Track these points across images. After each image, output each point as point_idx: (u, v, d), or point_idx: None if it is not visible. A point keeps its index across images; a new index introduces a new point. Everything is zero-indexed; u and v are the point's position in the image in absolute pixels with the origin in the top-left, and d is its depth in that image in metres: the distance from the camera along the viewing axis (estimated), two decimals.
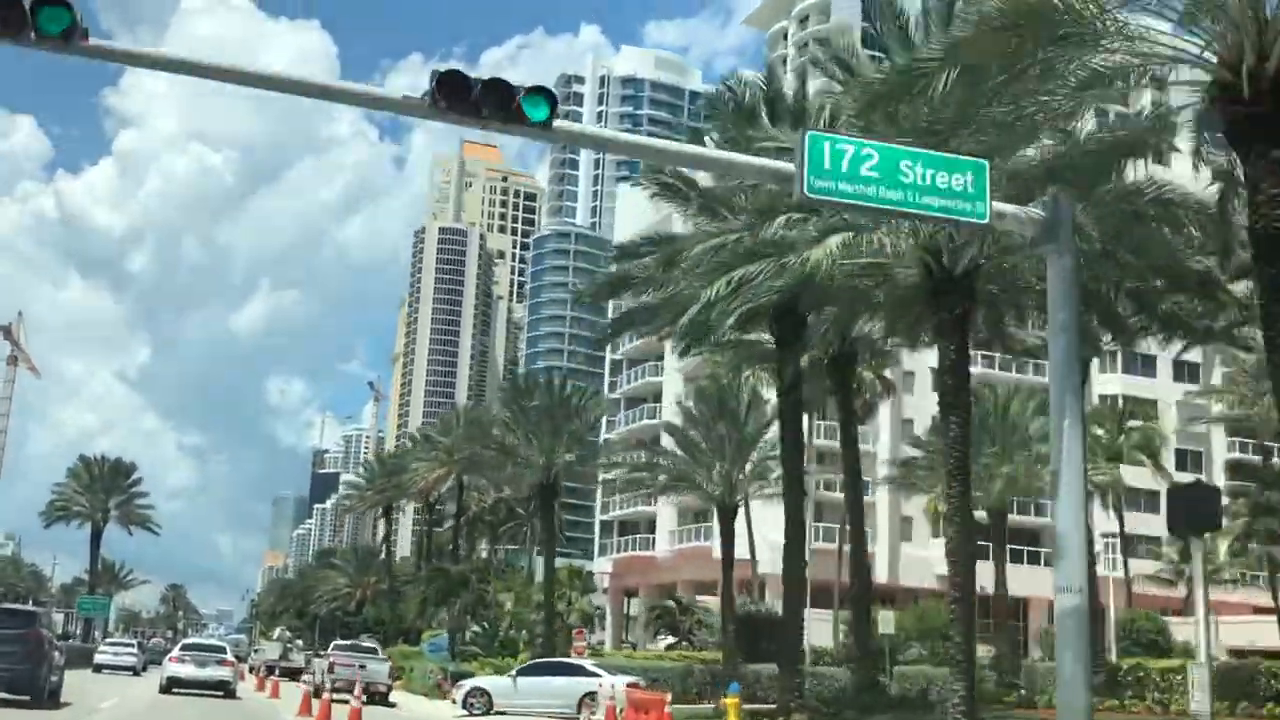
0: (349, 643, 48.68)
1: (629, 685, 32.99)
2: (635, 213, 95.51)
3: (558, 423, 45.77)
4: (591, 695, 34.14)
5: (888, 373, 56.10)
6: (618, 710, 27.66)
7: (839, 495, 59.78)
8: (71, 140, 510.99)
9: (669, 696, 25.59)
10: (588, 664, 37.31)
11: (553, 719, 34.20)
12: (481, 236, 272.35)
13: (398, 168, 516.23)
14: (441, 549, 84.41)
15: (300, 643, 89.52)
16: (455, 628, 58.63)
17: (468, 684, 37.05)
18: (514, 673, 36.57)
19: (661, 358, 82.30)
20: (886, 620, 39.83)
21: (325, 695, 32.59)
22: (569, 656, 42.00)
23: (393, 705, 42.55)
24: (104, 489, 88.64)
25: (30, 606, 40.18)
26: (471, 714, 35.37)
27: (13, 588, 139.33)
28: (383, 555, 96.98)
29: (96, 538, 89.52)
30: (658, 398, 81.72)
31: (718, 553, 73.51)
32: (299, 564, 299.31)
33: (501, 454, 47.56)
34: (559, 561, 61.25)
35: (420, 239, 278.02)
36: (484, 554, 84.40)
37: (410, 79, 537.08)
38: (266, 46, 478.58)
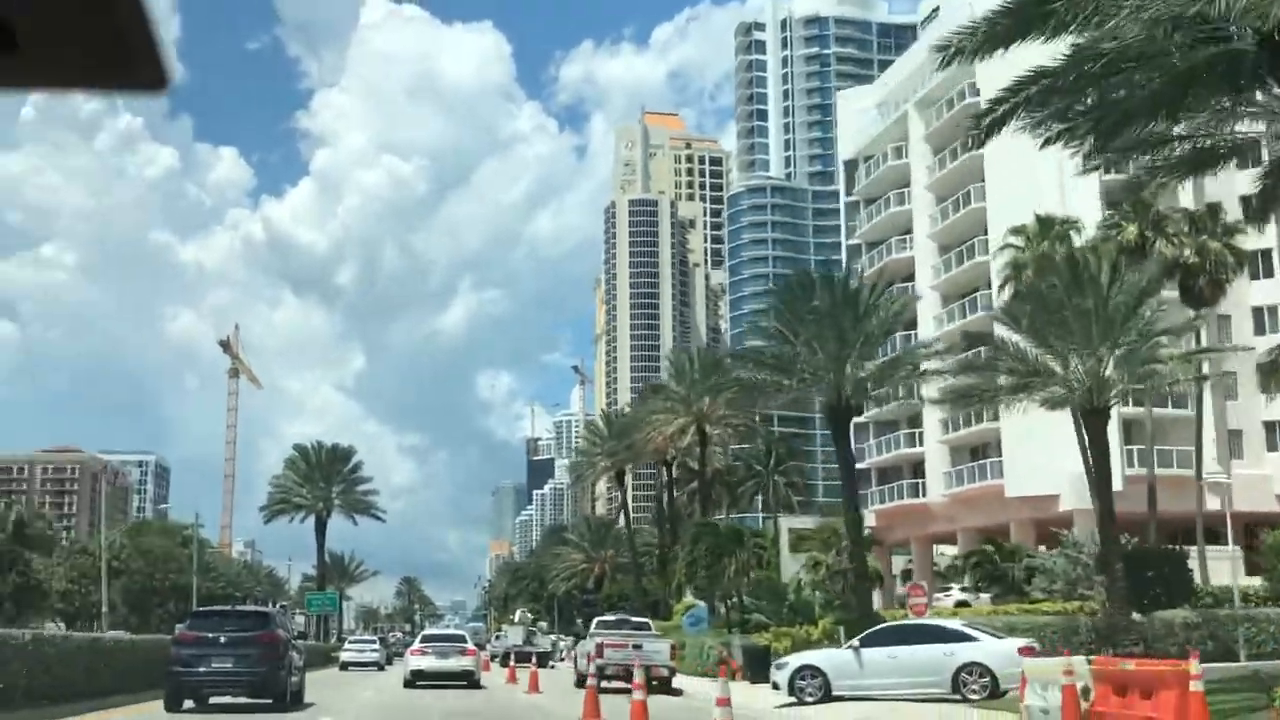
0: (615, 617, 39.24)
1: (1023, 649, 22.91)
2: (857, 126, 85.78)
3: (844, 328, 35.17)
4: (972, 667, 23.94)
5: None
6: (1081, 691, 17.26)
7: (1138, 409, 48.64)
8: (271, 165, 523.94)
9: (1194, 665, 15.09)
10: (958, 625, 26.89)
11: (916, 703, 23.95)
12: (672, 204, 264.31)
13: (579, 157, 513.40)
14: (678, 515, 75.24)
15: (544, 625, 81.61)
16: (726, 592, 48.95)
17: (792, 661, 27.02)
18: (855, 643, 26.22)
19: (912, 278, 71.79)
20: None
21: (590, 684, 25.37)
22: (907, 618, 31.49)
23: (678, 693, 33.16)
24: (323, 477, 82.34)
25: (264, 608, 38.39)
26: (803, 702, 25.52)
27: (250, 592, 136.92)
28: (620, 525, 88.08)
29: (321, 529, 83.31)
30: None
31: (1011, 490, 63.80)
32: (524, 550, 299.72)
33: (776, 372, 37.16)
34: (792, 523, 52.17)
35: (611, 214, 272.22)
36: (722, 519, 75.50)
37: (582, 68, 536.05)
38: (444, 52, 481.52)
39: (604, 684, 27.89)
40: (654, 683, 30.82)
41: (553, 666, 60.51)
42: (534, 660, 42.58)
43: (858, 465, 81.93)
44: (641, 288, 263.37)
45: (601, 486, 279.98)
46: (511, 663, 43.55)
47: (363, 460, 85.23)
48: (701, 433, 65.41)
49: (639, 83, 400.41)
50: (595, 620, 38.03)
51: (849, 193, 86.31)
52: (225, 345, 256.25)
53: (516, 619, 74.66)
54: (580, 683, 32.64)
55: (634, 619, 38.99)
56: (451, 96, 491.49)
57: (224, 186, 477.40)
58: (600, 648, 33.57)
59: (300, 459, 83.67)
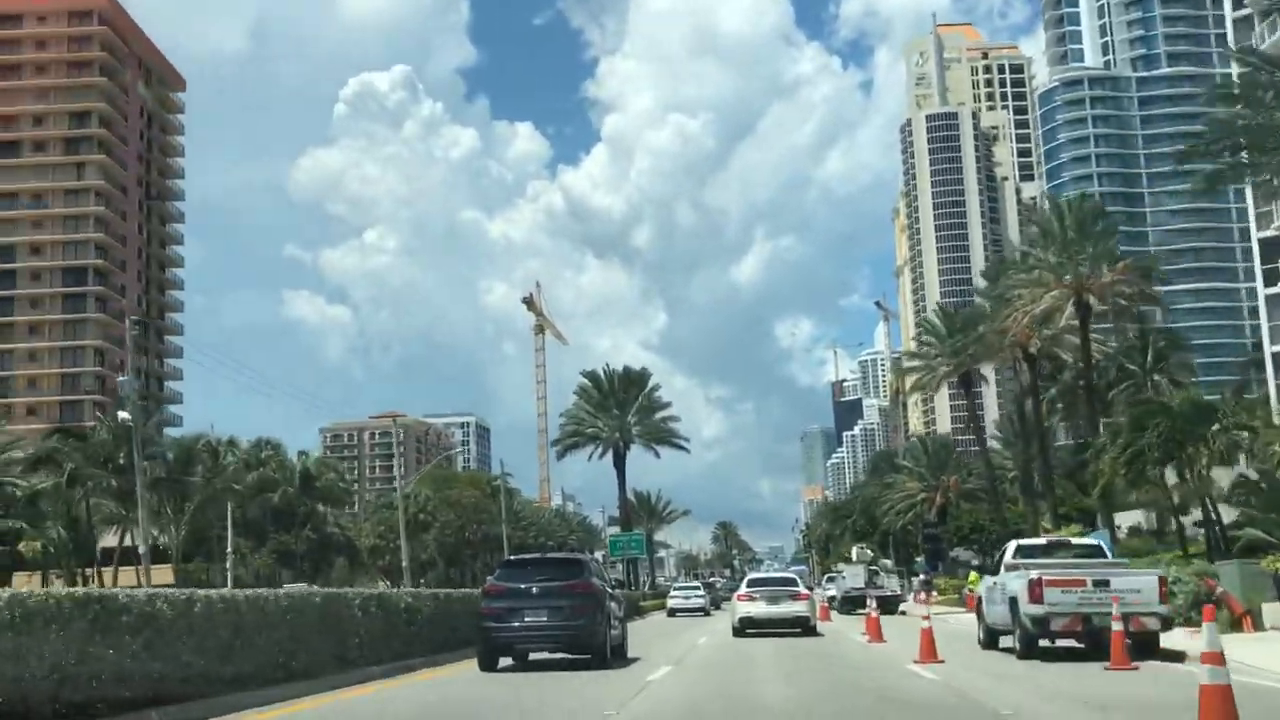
0: (1048, 540, 24.88)
1: None
2: None
3: None
4: None
5: None
6: None
7: None
8: (565, 135, 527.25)
9: None
10: None
11: None
12: (974, 115, 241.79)
13: (865, 93, 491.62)
14: (1033, 429, 59.22)
15: (888, 563, 67.30)
16: (1187, 499, 33.34)
17: None
18: None
19: None
20: None
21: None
22: None
23: (1179, 656, 19.12)
24: (617, 404, 70.91)
25: (578, 554, 33.89)
26: None
27: (564, 541, 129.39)
28: (973, 441, 72.31)
29: (620, 463, 71.91)
30: None
31: None
32: (837, 494, 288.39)
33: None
34: None
35: (908, 133, 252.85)
36: None
37: (863, 1, 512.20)
38: (720, 4, 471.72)
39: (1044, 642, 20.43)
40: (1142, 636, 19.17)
41: (902, 612, 48.56)
42: (875, 605, 34.91)
43: None
44: (946, 208, 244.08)
45: (916, 415, 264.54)
46: (872, 610, 30.63)
47: (660, 385, 73.31)
48: (1085, 307, 49.12)
49: (922, 8, 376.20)
50: (1013, 546, 23.55)
51: None
52: (529, 302, 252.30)
53: (855, 556, 60.61)
54: (991, 642, 23.60)
55: (1081, 543, 24.37)
56: (732, 48, 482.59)
57: (523, 160, 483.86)
58: (1038, 587, 19.57)
59: (591, 386, 72.54)
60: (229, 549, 72.61)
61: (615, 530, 74.87)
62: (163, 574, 76.87)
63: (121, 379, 53.49)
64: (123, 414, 51.44)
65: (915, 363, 67.54)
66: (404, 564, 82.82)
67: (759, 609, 31.94)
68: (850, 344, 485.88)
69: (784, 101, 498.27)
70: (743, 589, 34.17)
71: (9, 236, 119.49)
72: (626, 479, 73.90)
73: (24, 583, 66.24)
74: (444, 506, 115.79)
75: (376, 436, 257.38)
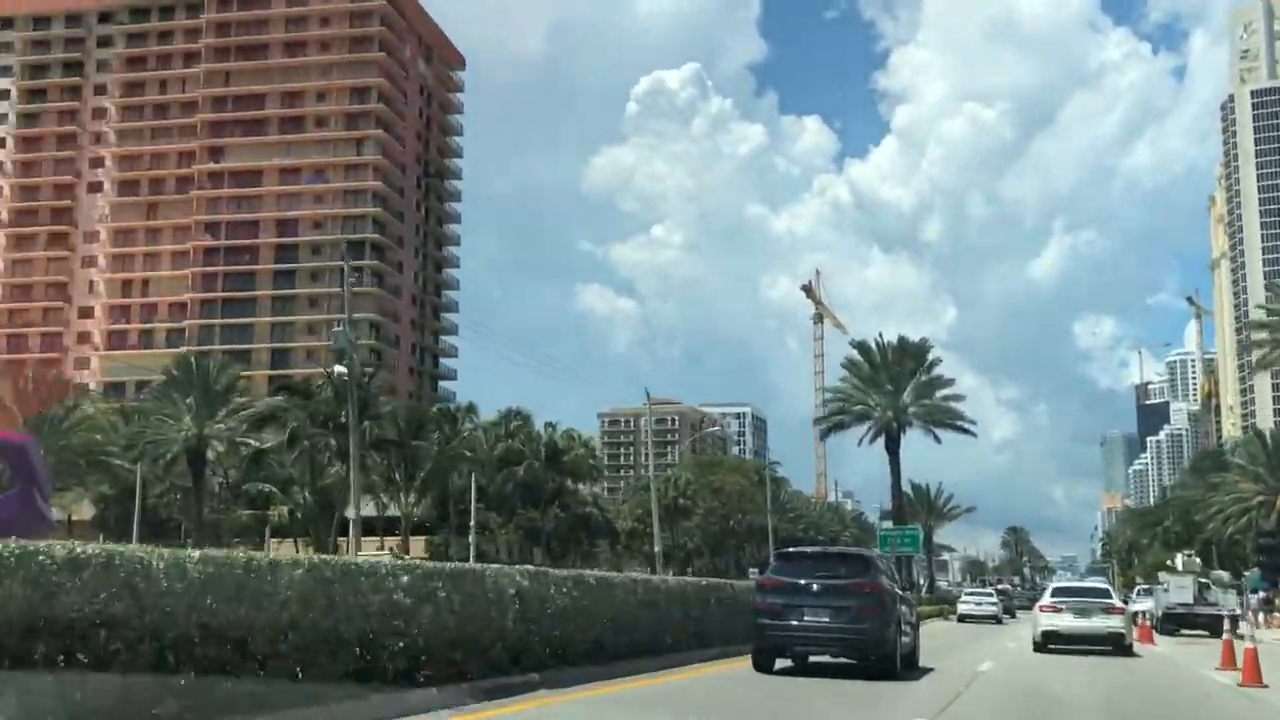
0: None
1: None
2: None
3: None
4: None
5: None
6: None
7: None
8: (853, 128, 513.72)
9: None
10: None
11: None
12: None
13: (1177, 79, 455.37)
14: None
15: (1224, 575, 55.08)
16: None
17: None
18: None
19: None
20: None
21: None
22: None
23: None
24: (891, 379, 61.50)
25: (864, 549, 28.63)
26: None
27: (835, 536, 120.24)
28: None
29: (893, 447, 62.43)
30: None
31: None
32: (1138, 501, 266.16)
33: None
34: None
35: (1229, 112, 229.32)
36: None
37: None
38: None
39: None
40: None
41: (1240, 636, 37.71)
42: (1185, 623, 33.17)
43: None
44: (1272, 192, 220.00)
45: (1231, 421, 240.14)
46: (1227, 634, 21.49)
47: (940, 359, 63.44)
48: None
49: None
50: None
51: None
52: (808, 290, 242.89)
53: (1180, 566, 48.98)
54: None
55: None
56: (1032, 35, 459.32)
57: (810, 154, 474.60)
58: None
59: (861, 359, 63.38)
60: (471, 522, 67.73)
61: (889, 525, 65.22)
62: (413, 546, 72.96)
63: (336, 328, 48.66)
64: (338, 367, 46.46)
65: (1262, 334, 54.87)
66: (655, 549, 76.14)
67: (1065, 622, 28.19)
68: (1156, 344, 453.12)
69: (1087, 89, 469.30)
70: (1046, 598, 30.30)
71: (292, 210, 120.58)
72: (901, 467, 64.39)
73: (277, 549, 63.33)
74: (706, 492, 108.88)
75: (653, 422, 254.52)
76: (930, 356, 63.04)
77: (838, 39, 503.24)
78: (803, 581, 18.35)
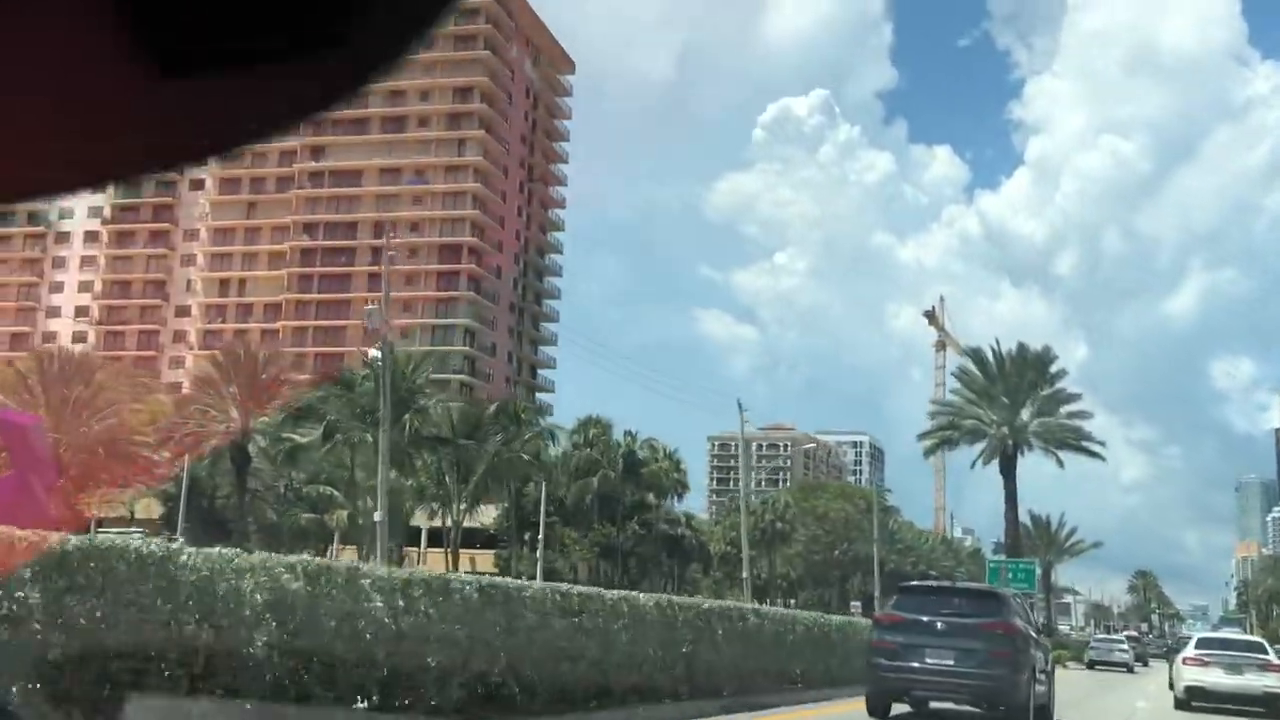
0: None
1: None
2: None
3: None
4: None
5: None
6: None
7: None
8: (985, 159, 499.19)
9: None
10: None
11: None
12: None
13: None
14: None
15: None
16: None
17: None
18: None
19: None
20: None
21: None
22: None
23: None
24: (1007, 391, 53.58)
25: (996, 587, 24.43)
26: None
27: (948, 572, 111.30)
28: None
29: (1009, 469, 54.38)
30: None
31: None
32: (1275, 551, 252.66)
33: None
34: None
35: None
36: None
37: None
38: (1161, 20, 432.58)
39: None
40: None
41: None
42: None
43: None
44: None
45: None
46: None
47: (1066, 371, 55.36)
48: None
49: None
50: None
51: None
52: (930, 316, 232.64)
53: None
54: None
55: None
56: (1173, 66, 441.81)
57: (939, 184, 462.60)
58: None
59: (975, 368, 55.60)
60: (540, 535, 61.63)
61: (1000, 558, 57.06)
62: (482, 560, 67.29)
63: (368, 308, 43.18)
64: (372, 351, 40.96)
65: None
66: (744, 575, 69.31)
67: (1213, 678, 25.42)
68: None
69: (1232, 123, 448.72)
70: (1190, 650, 27.59)
71: (391, 211, 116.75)
72: (1018, 493, 56.25)
73: (339, 556, 58.14)
74: (809, 518, 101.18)
75: (764, 448, 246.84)
76: (1054, 369, 55.01)
77: (971, 68, 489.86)
78: (926, 619, 16.52)
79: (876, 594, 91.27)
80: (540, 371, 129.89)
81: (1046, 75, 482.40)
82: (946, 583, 29.69)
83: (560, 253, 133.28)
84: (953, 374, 55.40)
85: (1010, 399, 54.64)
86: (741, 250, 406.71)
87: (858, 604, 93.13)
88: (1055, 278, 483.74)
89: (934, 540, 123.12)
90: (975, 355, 55.45)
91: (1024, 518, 67.55)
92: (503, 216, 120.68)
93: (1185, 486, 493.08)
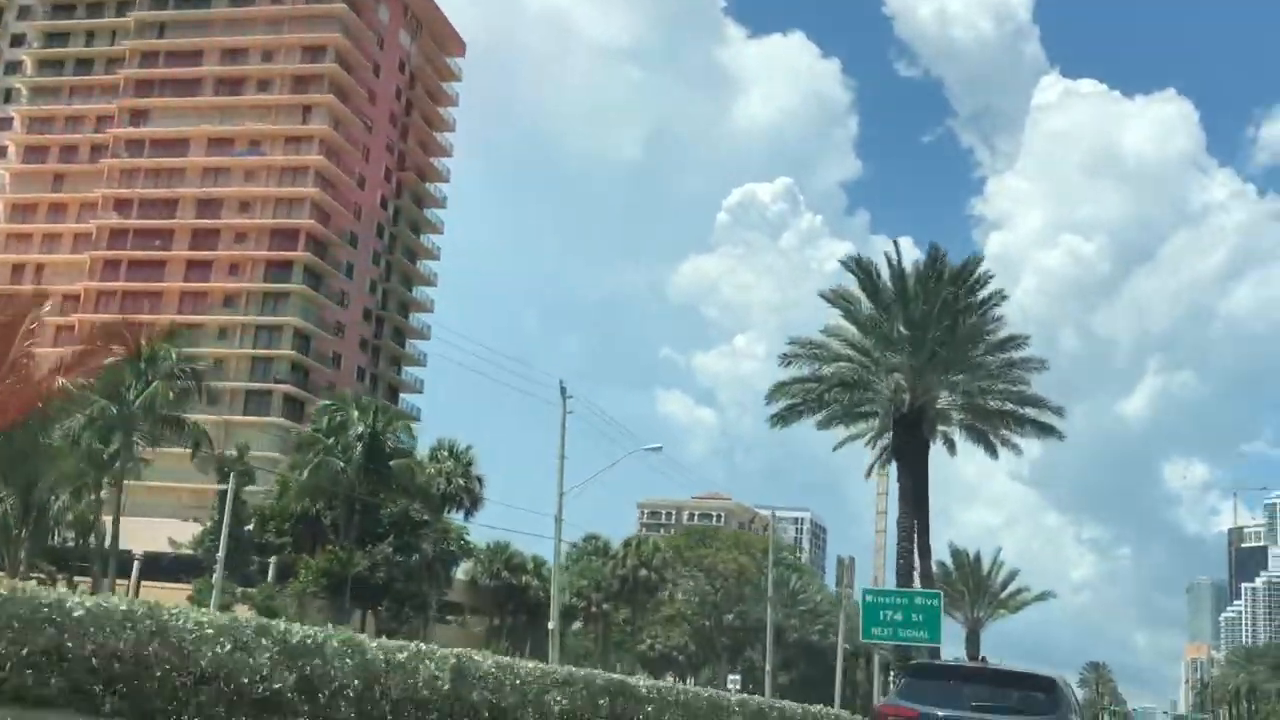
0: None
1: None
2: None
3: None
4: None
5: None
6: None
7: None
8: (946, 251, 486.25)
9: None
10: None
11: None
12: None
13: None
14: None
15: None
16: None
17: None
18: None
19: None
20: None
21: None
22: None
23: None
24: (911, 325, 31.32)
25: (1045, 671, 14.12)
26: None
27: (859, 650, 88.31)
28: None
29: (913, 455, 32.01)
30: None
31: None
32: (1228, 654, 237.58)
33: None
34: None
35: None
36: None
37: None
38: (1123, 125, 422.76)
39: None
40: None
41: None
42: None
43: None
44: None
45: None
46: None
47: (1006, 294, 33.17)
48: None
49: None
50: None
51: None
52: None
53: None
54: None
55: None
56: (1134, 170, 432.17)
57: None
58: None
59: (863, 290, 33.41)
60: (220, 552, 38.47)
61: (880, 589, 33.93)
62: (168, 594, 44.48)
63: None
64: None
65: None
66: (550, 628, 46.59)
67: None
68: (1253, 489, 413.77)
69: (1189, 228, 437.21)
70: None
71: (219, 187, 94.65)
72: (930, 500, 33.44)
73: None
74: (694, 571, 78.55)
75: (695, 518, 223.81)
76: (986, 290, 32.70)
77: (934, 164, 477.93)
78: (951, 714, 11.32)
79: (767, 667, 68.61)
80: (405, 397, 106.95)
81: (1009, 174, 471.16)
82: (976, 664, 15.65)
83: (437, 259, 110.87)
84: (821, 295, 33.18)
85: (915, 343, 32.35)
86: (703, 333, 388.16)
87: (736, 678, 69.89)
88: None
89: (846, 604, 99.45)
90: (860, 267, 33.12)
91: (942, 555, 45.05)
92: (359, 205, 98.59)
93: (1135, 587, 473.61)
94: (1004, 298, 32.98)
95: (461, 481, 48.58)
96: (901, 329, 32.19)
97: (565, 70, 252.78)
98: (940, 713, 11.22)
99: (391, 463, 44.43)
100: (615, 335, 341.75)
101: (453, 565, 61.80)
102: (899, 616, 29.68)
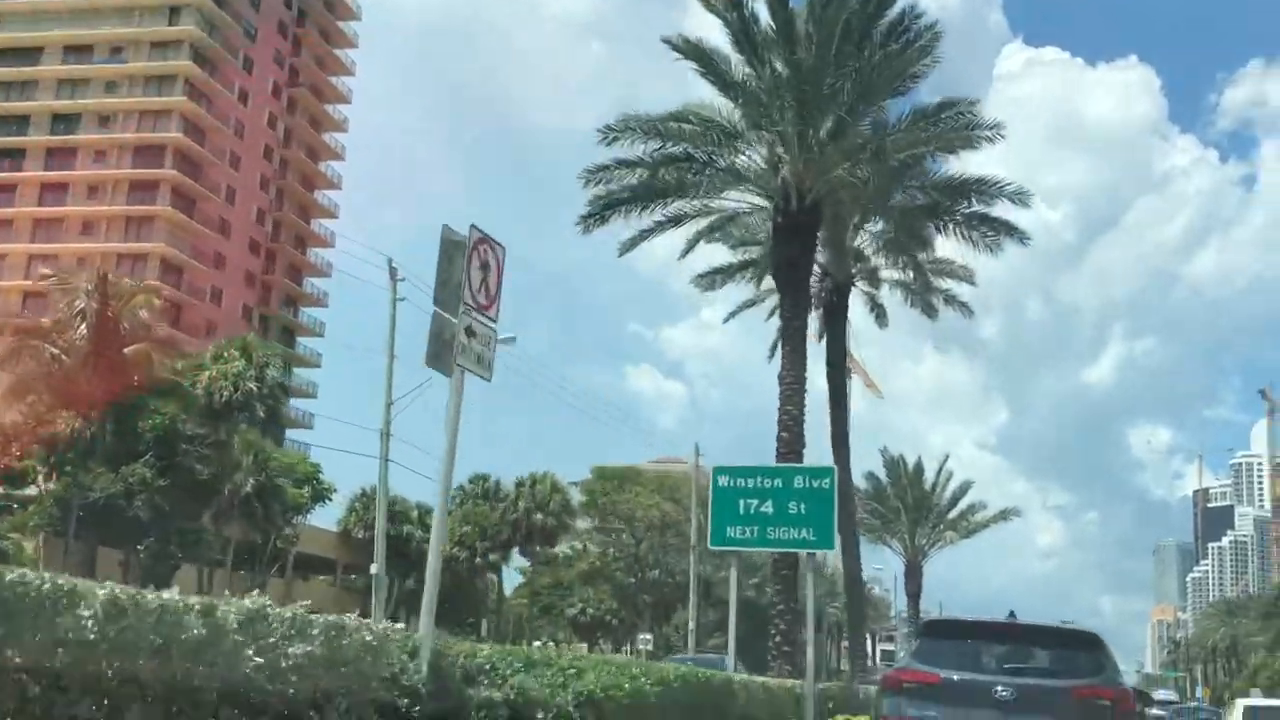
0: None
1: None
2: None
3: None
4: None
5: None
6: None
7: None
8: None
9: None
10: None
11: None
12: None
13: (1246, 188, 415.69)
14: None
15: None
16: None
17: None
18: None
19: None
20: None
21: None
22: None
23: None
24: (799, 77, 19.87)
25: (1086, 629, 11.15)
26: None
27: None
28: None
29: (795, 237, 20.44)
30: None
31: None
32: (1196, 613, 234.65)
33: None
34: None
35: None
36: None
37: (1250, 90, 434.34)
38: (1088, 95, 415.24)
39: None
40: None
41: None
42: None
43: None
44: None
45: None
46: None
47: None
48: None
49: None
50: None
51: None
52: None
53: None
54: None
55: None
56: (1097, 138, 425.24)
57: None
58: None
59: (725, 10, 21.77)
60: None
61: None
62: None
63: None
64: None
65: None
66: (374, 572, 35.23)
67: None
68: (1217, 451, 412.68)
69: (1152, 195, 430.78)
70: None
71: (76, 99, 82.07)
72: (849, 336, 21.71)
73: None
74: (613, 520, 67.32)
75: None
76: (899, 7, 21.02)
77: None
78: (979, 679, 9.52)
79: (691, 625, 57.44)
80: (308, 311, 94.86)
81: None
82: (1006, 620, 10.77)
83: (339, 188, 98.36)
84: (665, 41, 21.46)
85: (805, 99, 20.57)
86: (671, 306, 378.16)
87: (647, 637, 58.62)
88: (978, 343, 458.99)
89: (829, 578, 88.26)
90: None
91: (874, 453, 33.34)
92: (241, 122, 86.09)
93: (1102, 552, 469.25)
94: (937, 36, 21.23)
95: (254, 386, 36.75)
96: (782, 73, 20.39)
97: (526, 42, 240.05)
98: (973, 678, 9.39)
99: (127, 350, 32.47)
100: (582, 310, 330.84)
101: (297, 510, 50.15)
102: (768, 508, 18.08)
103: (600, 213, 21.27)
